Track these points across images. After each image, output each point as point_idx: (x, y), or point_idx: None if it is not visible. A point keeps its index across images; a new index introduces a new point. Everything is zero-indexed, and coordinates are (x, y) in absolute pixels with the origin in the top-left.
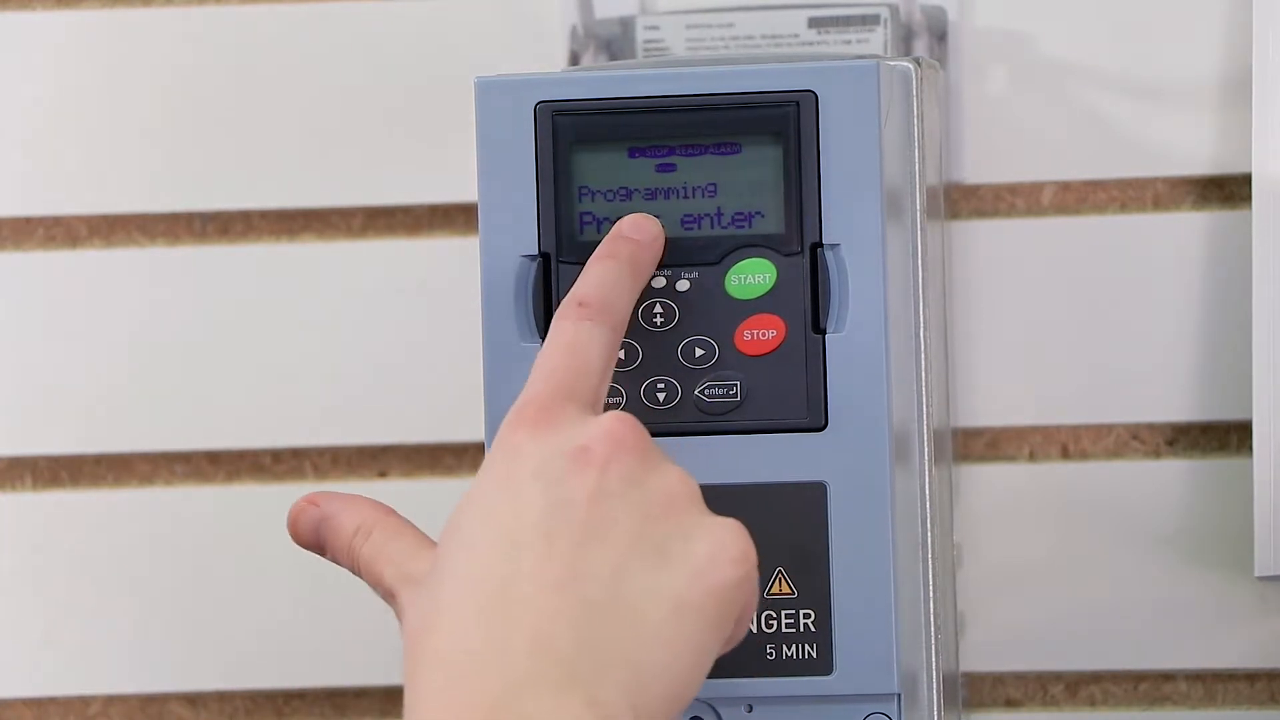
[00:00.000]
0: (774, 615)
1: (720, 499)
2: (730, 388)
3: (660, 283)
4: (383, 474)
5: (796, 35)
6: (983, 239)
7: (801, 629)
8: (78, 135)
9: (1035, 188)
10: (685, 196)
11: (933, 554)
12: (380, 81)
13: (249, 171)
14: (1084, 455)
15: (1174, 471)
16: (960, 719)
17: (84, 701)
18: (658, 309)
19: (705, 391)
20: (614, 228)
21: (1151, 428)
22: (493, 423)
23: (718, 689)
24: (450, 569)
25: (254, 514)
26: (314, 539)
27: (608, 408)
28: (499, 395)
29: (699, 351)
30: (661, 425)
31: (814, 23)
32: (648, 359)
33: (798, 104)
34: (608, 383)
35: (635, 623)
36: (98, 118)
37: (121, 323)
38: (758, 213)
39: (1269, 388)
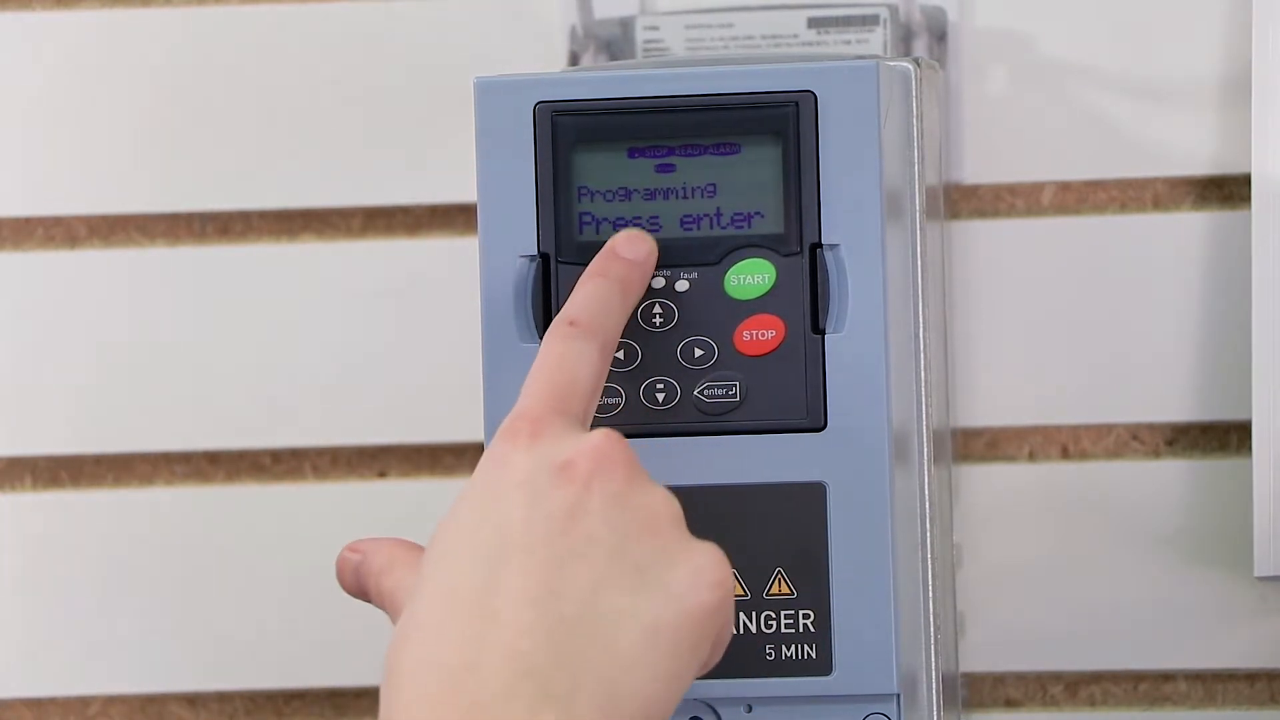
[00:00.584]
0: (773, 615)
1: (720, 499)
2: (729, 388)
3: (659, 283)
4: (382, 474)
5: (796, 35)
6: (983, 239)
7: (801, 629)
8: (78, 135)
9: (1035, 188)
10: (685, 197)
11: (932, 554)
12: (380, 81)
13: (249, 172)
14: (1084, 455)
15: (1174, 471)
16: (960, 719)
17: (84, 701)
18: (657, 309)
19: (704, 392)
20: (607, 244)
21: (1151, 428)
22: (492, 423)
23: (717, 689)
24: (429, 580)
25: (254, 514)
26: (356, 585)
27: (607, 408)
28: (498, 395)
29: (698, 352)
30: (661, 425)
31: (813, 23)
32: (647, 359)
33: (797, 104)
34: (597, 399)
35: (611, 642)
36: (97, 118)
37: (121, 323)
38: (757, 213)
39: (1269, 388)
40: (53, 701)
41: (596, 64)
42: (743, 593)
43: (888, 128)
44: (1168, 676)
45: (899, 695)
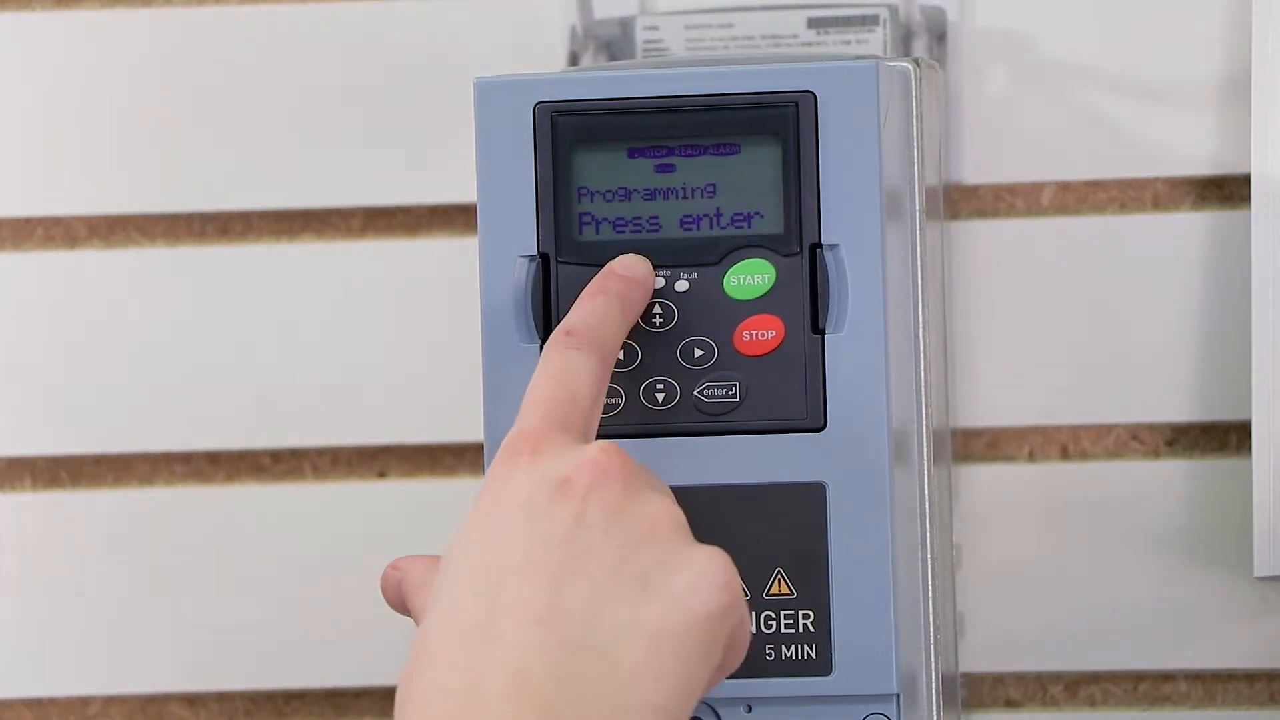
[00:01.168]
0: (773, 616)
1: (720, 499)
2: (729, 388)
3: (659, 283)
4: (382, 474)
5: (796, 36)
6: (982, 239)
7: (801, 629)
8: (77, 135)
9: (1035, 188)
10: (684, 197)
11: (932, 554)
12: (380, 81)
13: (248, 172)
14: (1084, 455)
15: (1174, 471)
16: (960, 719)
17: (84, 702)
18: (656, 309)
19: (704, 392)
20: (605, 266)
21: (1151, 428)
22: (492, 423)
23: (717, 689)
24: (435, 605)
25: (254, 514)
26: (399, 602)
27: (607, 408)
28: (498, 395)
29: (698, 352)
30: (660, 426)
31: (813, 23)
32: (647, 359)
33: (797, 104)
34: (599, 411)
35: (615, 660)
36: (97, 118)
37: (121, 323)
38: (757, 213)
39: (1268, 388)
40: (53, 701)
41: (596, 64)
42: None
43: (887, 128)
44: (1168, 676)
45: (899, 695)
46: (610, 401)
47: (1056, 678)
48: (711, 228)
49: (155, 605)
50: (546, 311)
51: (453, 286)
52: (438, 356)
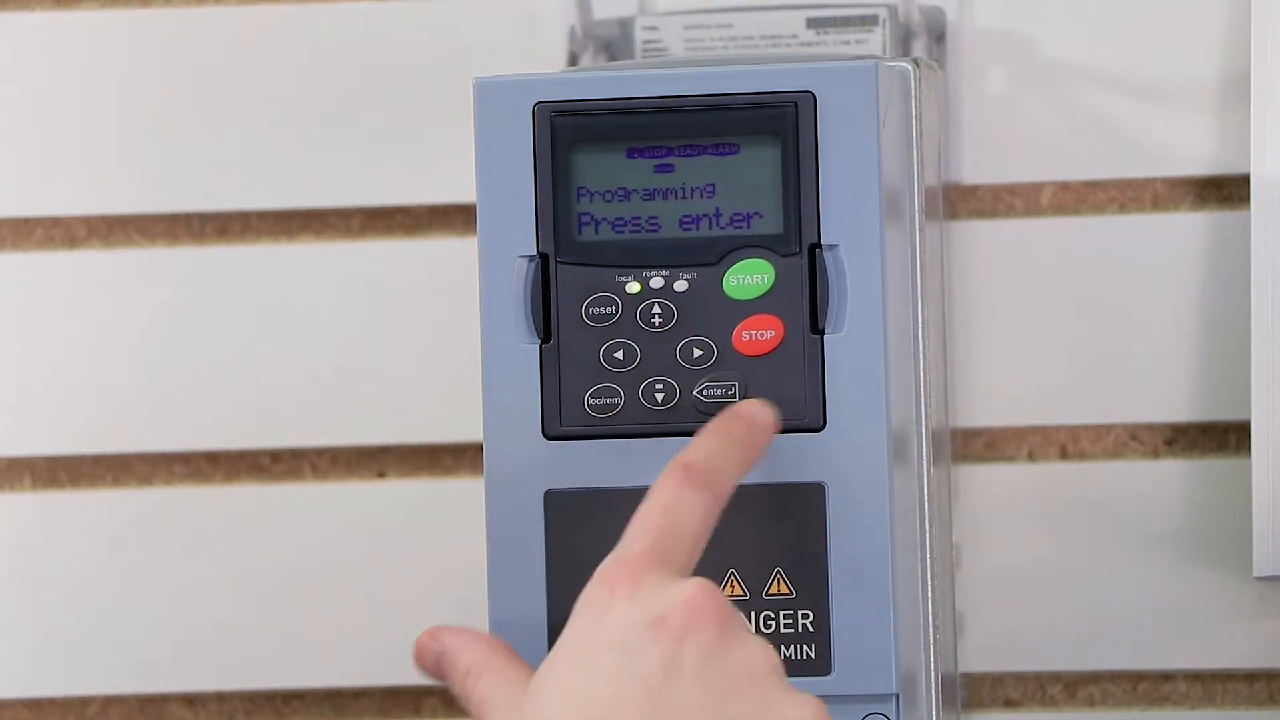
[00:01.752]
0: (772, 616)
1: None
2: (729, 388)
3: (658, 283)
4: (381, 474)
5: (795, 36)
6: (982, 239)
7: (800, 629)
8: (77, 135)
9: (1034, 188)
10: (683, 197)
11: (931, 554)
12: (380, 81)
13: (248, 172)
14: (1083, 455)
15: (1173, 471)
16: (959, 719)
17: (83, 702)
18: (656, 309)
19: (704, 392)
20: (732, 406)
21: (1150, 428)
22: (492, 423)
23: None
24: None
25: (253, 514)
26: (435, 672)
27: (608, 407)
28: (498, 395)
29: (697, 352)
30: (660, 425)
31: (812, 23)
32: (646, 359)
33: (796, 105)
34: (700, 550)
35: None
36: (97, 118)
37: (121, 323)
38: (756, 213)
39: (1268, 388)
40: (52, 701)
41: (595, 64)
42: (742, 593)
43: (887, 128)
44: (1167, 676)
45: (898, 695)
46: (610, 401)
47: (1056, 678)
48: (711, 228)
49: (155, 605)
50: (546, 311)
51: (453, 286)
52: (437, 356)
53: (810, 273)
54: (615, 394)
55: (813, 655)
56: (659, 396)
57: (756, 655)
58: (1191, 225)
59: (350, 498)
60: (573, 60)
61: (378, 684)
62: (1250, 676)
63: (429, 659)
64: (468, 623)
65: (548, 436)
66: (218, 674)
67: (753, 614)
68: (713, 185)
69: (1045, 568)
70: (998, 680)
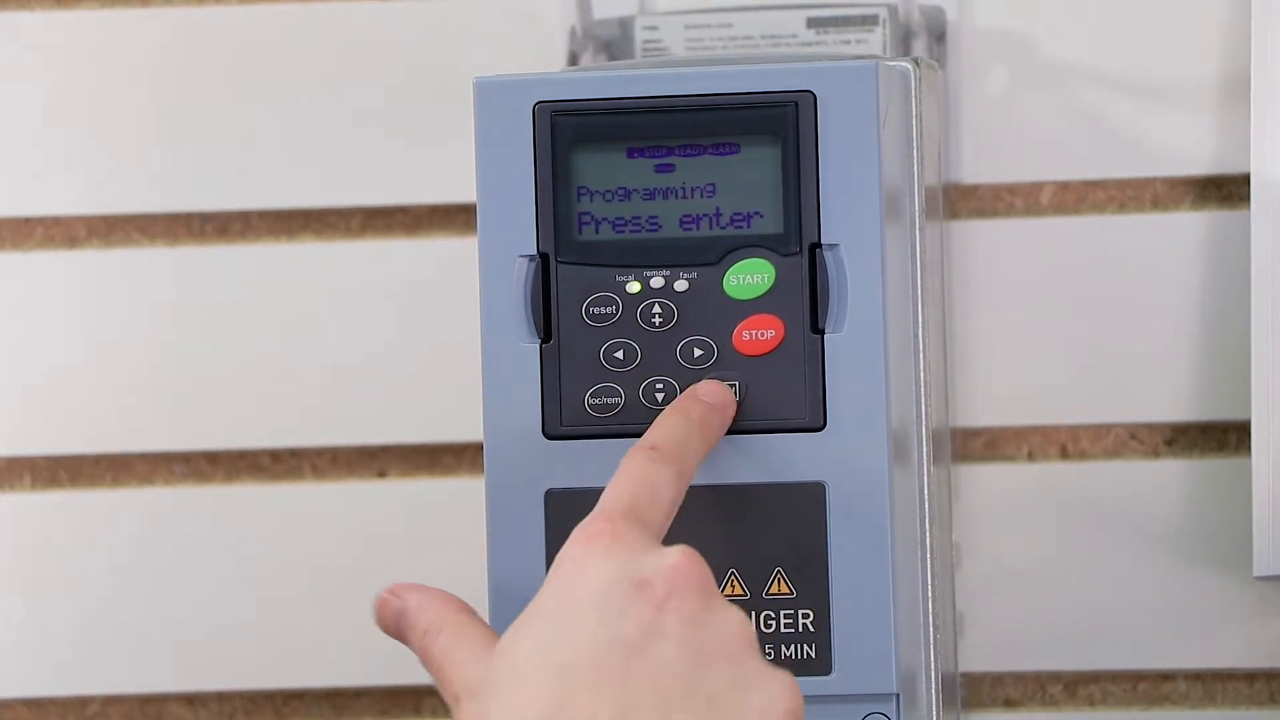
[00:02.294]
0: (773, 615)
1: (720, 499)
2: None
3: (659, 282)
4: (382, 474)
5: (795, 36)
6: (982, 239)
7: (800, 629)
8: (77, 135)
9: (1034, 188)
10: (684, 197)
11: (931, 554)
12: (380, 81)
13: (248, 172)
14: (1083, 455)
15: (1173, 471)
16: (959, 719)
17: (82, 701)
18: (656, 309)
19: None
20: (689, 389)
21: (1150, 427)
22: (492, 423)
23: None
24: (499, 695)
25: (253, 514)
26: (395, 630)
27: (608, 407)
28: (498, 395)
29: (698, 352)
30: None
31: (813, 23)
32: (647, 359)
33: (796, 104)
34: (669, 521)
35: None
36: (97, 118)
37: (121, 323)
38: (756, 213)
39: (1268, 387)
40: (52, 701)
41: (595, 64)
42: (742, 592)
43: (887, 128)
44: (1167, 676)
45: (898, 695)
46: (610, 401)
47: (1056, 677)
48: (711, 228)
49: (154, 605)
50: (546, 311)
51: (453, 286)
52: (438, 356)
53: (810, 272)
54: (615, 394)
55: (813, 655)
56: (659, 396)
57: (736, 627)
58: (1191, 225)
59: (350, 498)
60: (573, 60)
61: (378, 684)
62: (1250, 676)
63: (389, 616)
64: None
65: (548, 436)
66: (218, 674)
67: (753, 614)
68: (713, 185)
69: (1045, 568)
70: (998, 680)
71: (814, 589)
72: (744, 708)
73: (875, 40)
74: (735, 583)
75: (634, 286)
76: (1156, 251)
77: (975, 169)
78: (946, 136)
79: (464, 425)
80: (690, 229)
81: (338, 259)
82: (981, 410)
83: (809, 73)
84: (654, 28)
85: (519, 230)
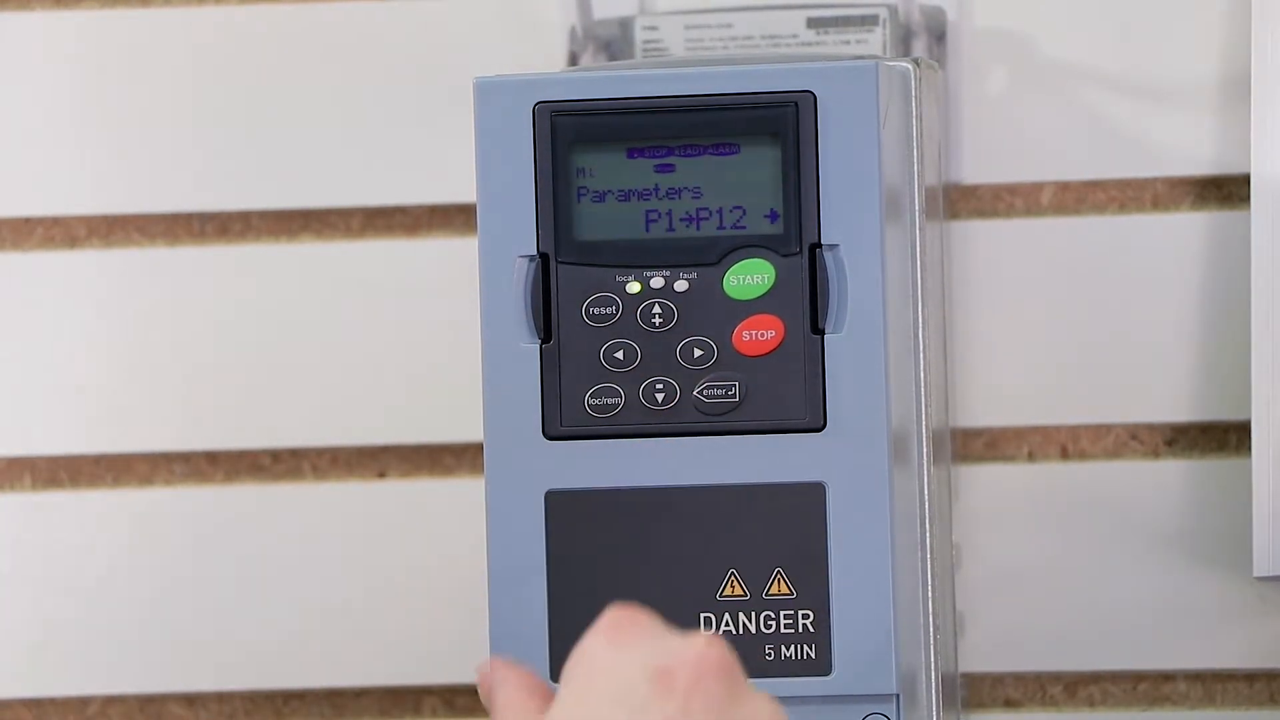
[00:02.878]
0: (773, 616)
1: (720, 499)
2: (729, 388)
3: (659, 283)
4: (382, 474)
5: (795, 36)
6: (982, 239)
7: (800, 629)
8: (77, 135)
9: (1034, 188)
10: (684, 197)
11: (931, 554)
12: (380, 81)
13: (248, 172)
14: (1083, 455)
15: (1173, 471)
16: (959, 719)
17: (83, 702)
18: (656, 309)
19: (704, 392)
20: None
21: (1150, 428)
22: (492, 423)
23: None
24: None
25: (253, 514)
26: (488, 703)
27: (608, 407)
28: (498, 395)
29: (698, 352)
30: (661, 425)
31: (813, 23)
32: (647, 359)
33: (796, 104)
34: None
35: None
36: (97, 118)
37: (121, 323)
38: (756, 213)
39: (1268, 388)
40: (52, 701)
41: (596, 64)
42: (742, 593)
43: (887, 128)
44: (1167, 676)
45: (898, 695)
46: (610, 401)
47: (1056, 678)
48: (711, 228)
49: (154, 605)
50: (546, 311)
51: (453, 286)
52: (438, 356)
53: (810, 273)
54: (615, 394)
55: (813, 655)
56: (659, 396)
57: (764, 712)
58: (1191, 225)
59: (350, 498)
60: (573, 60)
61: (378, 684)
62: (1250, 676)
63: (485, 688)
64: (467, 622)
65: (548, 436)
66: (218, 674)
67: (753, 614)
68: (713, 185)
69: (1045, 568)
70: (998, 680)
71: (814, 589)
72: None
73: (875, 40)
74: (735, 583)
75: (634, 287)
76: (1156, 251)
77: (975, 169)
78: (946, 136)
79: (464, 425)
80: (690, 229)
81: (338, 259)
82: (981, 410)
83: (809, 73)
84: (654, 28)
85: (519, 230)
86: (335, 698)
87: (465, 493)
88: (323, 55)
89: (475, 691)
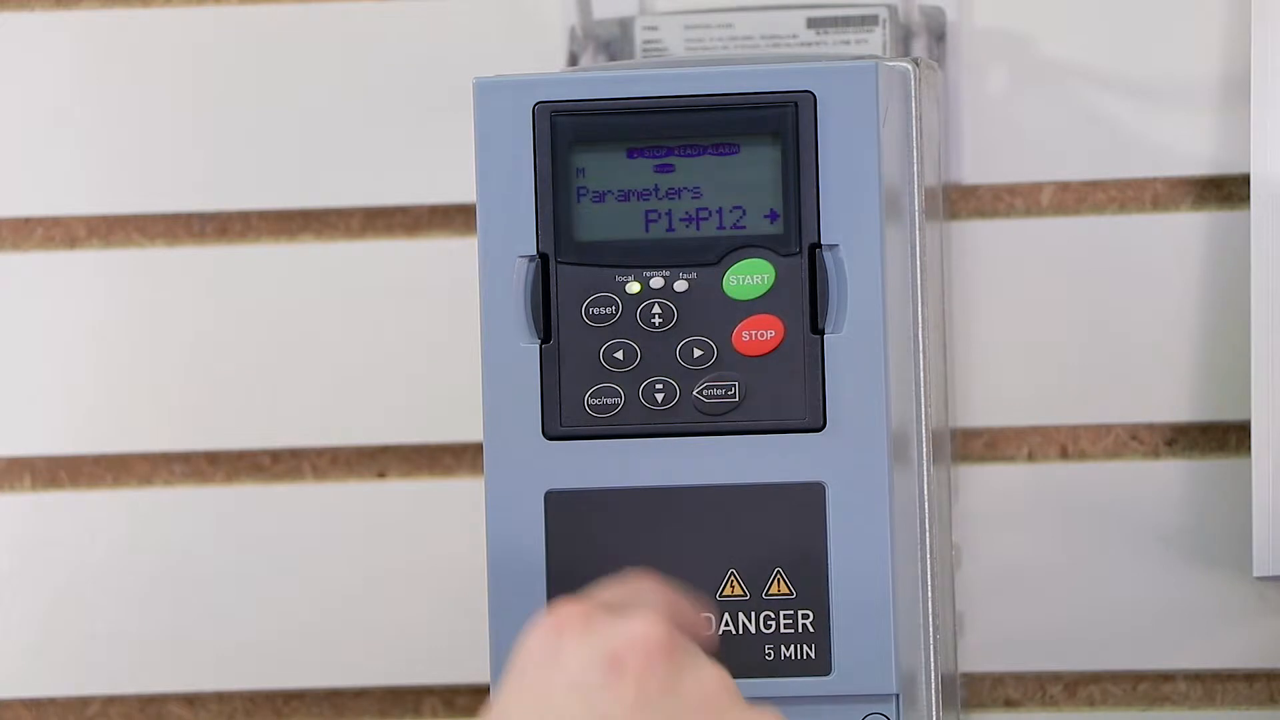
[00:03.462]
0: (772, 616)
1: (720, 499)
2: (729, 388)
3: (658, 283)
4: (381, 474)
5: (795, 36)
6: (982, 239)
7: (800, 629)
8: (77, 135)
9: (1034, 188)
10: (683, 197)
11: (931, 554)
12: (380, 81)
13: (248, 172)
14: (1083, 455)
15: (1173, 471)
16: (959, 719)
17: (83, 702)
18: (656, 309)
19: (704, 392)
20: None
21: (1150, 428)
22: (492, 423)
23: None
24: None
25: (253, 514)
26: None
27: (608, 407)
28: (498, 395)
29: (697, 352)
30: (660, 425)
31: (813, 23)
32: (646, 359)
33: (796, 104)
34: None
35: None
36: (96, 118)
37: (120, 323)
38: (756, 213)
39: (1268, 388)
40: (52, 701)
41: (595, 64)
42: (742, 593)
43: (887, 128)
44: (1167, 676)
45: (898, 695)
46: (610, 401)
47: (1056, 678)
48: (711, 228)
49: (154, 605)
50: (546, 311)
51: (453, 286)
52: (438, 356)
53: (810, 273)
54: (615, 394)
55: (813, 655)
56: (659, 396)
57: (712, 680)
58: (1191, 225)
59: (350, 498)
60: (573, 60)
61: (378, 684)
62: (1250, 676)
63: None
64: (467, 622)
65: (548, 436)
66: (218, 674)
67: (753, 614)
68: (713, 185)
69: (1045, 568)
70: (998, 680)
71: (814, 589)
72: None
73: (875, 40)
74: (735, 583)
75: (634, 287)
76: (1156, 251)
77: (975, 169)
78: (946, 136)
79: (464, 425)
80: (690, 229)
81: (338, 259)
82: (981, 410)
83: (809, 73)
84: (654, 28)
85: (519, 230)
86: (335, 698)
87: (465, 493)
88: (323, 55)
89: (475, 691)
